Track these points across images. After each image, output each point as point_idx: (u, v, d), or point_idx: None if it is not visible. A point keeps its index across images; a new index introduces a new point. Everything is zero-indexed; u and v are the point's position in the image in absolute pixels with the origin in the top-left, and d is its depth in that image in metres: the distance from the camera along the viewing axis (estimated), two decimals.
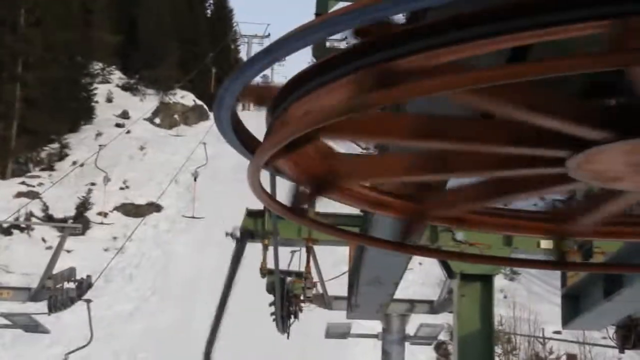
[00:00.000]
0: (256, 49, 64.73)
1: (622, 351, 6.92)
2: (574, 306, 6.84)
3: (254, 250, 13.65)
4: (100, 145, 43.64)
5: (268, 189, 2.79)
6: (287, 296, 13.04)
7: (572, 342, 28.20)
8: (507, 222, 3.07)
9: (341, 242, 11.64)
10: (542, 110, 2.12)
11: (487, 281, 8.73)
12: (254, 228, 12.00)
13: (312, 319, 18.86)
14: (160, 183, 41.06)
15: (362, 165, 2.86)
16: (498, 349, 28.05)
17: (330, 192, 2.76)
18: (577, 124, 2.19)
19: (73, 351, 22.45)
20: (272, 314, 13.92)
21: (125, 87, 57.33)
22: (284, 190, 2.92)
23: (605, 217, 2.87)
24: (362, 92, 2.05)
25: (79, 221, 34.13)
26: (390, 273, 8.08)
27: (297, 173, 2.63)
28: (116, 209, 40.76)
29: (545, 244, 8.01)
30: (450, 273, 8.97)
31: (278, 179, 2.86)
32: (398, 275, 8.15)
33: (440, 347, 29.77)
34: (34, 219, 37.42)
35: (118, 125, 50.00)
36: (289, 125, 2.27)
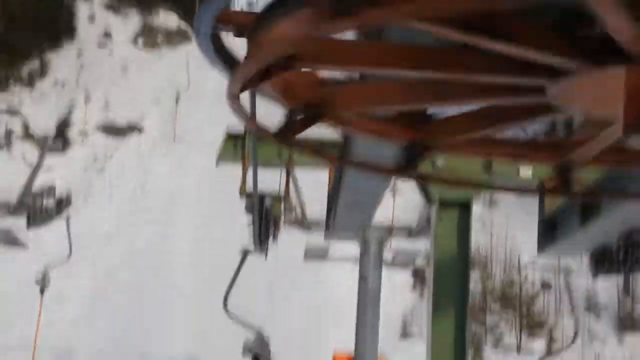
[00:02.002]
0: None
1: (595, 277, 7.01)
2: (550, 233, 6.88)
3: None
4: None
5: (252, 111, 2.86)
6: (266, 217, 13.05)
7: (546, 269, 28.61)
8: (510, 151, 3.12)
9: (320, 165, 11.65)
10: (517, 40, 2.17)
11: (465, 208, 8.77)
12: (233, 150, 11.96)
13: (290, 243, 19.02)
14: (141, 104, 40.76)
15: (355, 94, 2.89)
16: (474, 275, 28.39)
17: (327, 120, 2.83)
18: (553, 53, 2.25)
19: (52, 266, 22.56)
20: (250, 234, 13.94)
21: (108, 6, 56.41)
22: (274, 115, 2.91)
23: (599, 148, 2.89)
24: (322, 21, 2.15)
25: (59, 139, 33.92)
26: (369, 196, 8.09)
27: (289, 101, 2.73)
28: (97, 128, 40.51)
29: (524, 172, 8.04)
30: (429, 199, 9.01)
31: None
32: (377, 198, 8.17)
33: (417, 273, 30.09)
34: (14, 136, 37.16)
35: (100, 45, 49.33)
36: (261, 49, 2.40)
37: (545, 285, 30.75)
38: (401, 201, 30.77)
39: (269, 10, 2.34)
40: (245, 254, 15.00)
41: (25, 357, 22.69)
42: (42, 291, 21.87)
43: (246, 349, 15.10)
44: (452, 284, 7.96)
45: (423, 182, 8.37)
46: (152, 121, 40.46)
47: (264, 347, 14.19)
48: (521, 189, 6.78)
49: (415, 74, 2.62)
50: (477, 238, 28.65)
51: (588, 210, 5.84)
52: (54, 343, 24.67)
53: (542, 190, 5.95)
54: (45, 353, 23.24)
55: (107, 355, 24.02)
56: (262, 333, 15.16)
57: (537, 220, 7.55)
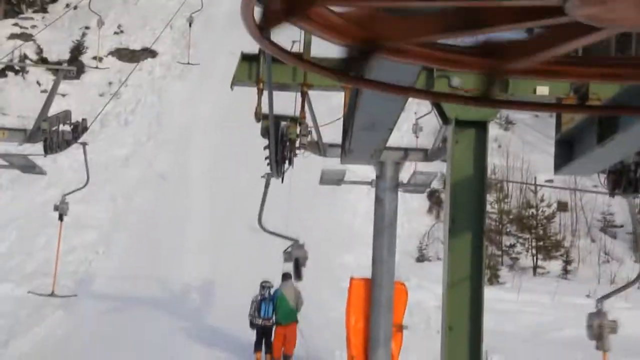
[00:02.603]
0: None
1: (612, 196, 6.98)
2: (567, 152, 6.84)
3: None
4: None
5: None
6: (282, 140, 13.04)
7: (563, 188, 28.61)
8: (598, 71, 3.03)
9: (336, 88, 11.58)
10: None
11: (481, 128, 8.70)
12: (248, 72, 11.87)
13: (306, 167, 19.05)
14: (154, 28, 40.44)
15: (407, 26, 2.82)
16: (490, 197, 28.43)
17: (385, 54, 2.76)
18: None
19: (70, 193, 22.74)
20: (266, 157, 13.94)
21: None
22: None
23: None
24: None
25: (73, 65, 33.80)
26: (385, 118, 8.06)
27: (341, 37, 2.65)
28: (111, 53, 40.35)
29: (541, 90, 7.98)
30: (445, 119, 8.95)
31: None
32: (393, 121, 8.12)
33: (433, 195, 30.17)
34: (28, 62, 37.10)
35: None
36: None
37: (562, 206, 30.78)
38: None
39: None
40: (269, 177, 15.44)
41: (46, 283, 23.03)
42: (61, 217, 22.07)
43: (286, 255, 16.34)
44: (468, 206, 7.93)
45: (439, 102, 8.30)
46: (165, 45, 40.21)
47: (302, 252, 15.80)
48: (539, 105, 6.69)
49: (442, 4, 2.53)
50: (493, 160, 28.63)
51: (606, 127, 5.79)
52: (73, 268, 25.01)
53: (559, 108, 5.88)
54: (65, 278, 23.59)
55: (125, 279, 24.32)
56: (299, 240, 16.16)
57: (552, 142, 7.51)
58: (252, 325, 18.51)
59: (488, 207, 15.35)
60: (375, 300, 17.10)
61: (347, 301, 17.38)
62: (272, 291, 18.57)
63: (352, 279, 17.65)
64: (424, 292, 22.96)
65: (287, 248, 16.62)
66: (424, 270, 26.04)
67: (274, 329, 18.50)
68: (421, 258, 27.75)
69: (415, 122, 26.04)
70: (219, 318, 21.60)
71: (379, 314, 17.02)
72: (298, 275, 16.42)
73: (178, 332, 20.44)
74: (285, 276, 18.40)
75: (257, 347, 18.52)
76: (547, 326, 22.06)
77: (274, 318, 18.39)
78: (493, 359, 16.96)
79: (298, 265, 16.16)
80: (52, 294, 22.29)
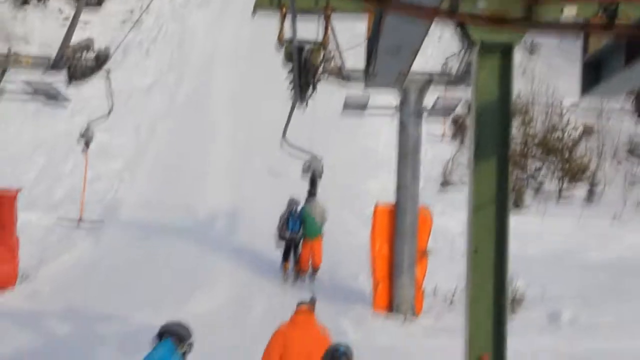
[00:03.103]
0: None
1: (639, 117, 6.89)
2: (593, 74, 6.76)
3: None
4: None
5: None
6: (305, 66, 12.97)
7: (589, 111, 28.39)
8: None
9: (358, 11, 11.46)
10: None
11: (507, 51, 8.57)
12: None
13: (329, 93, 18.98)
14: None
15: None
16: (515, 122, 28.25)
17: None
18: None
19: (95, 120, 22.81)
20: (290, 82, 13.91)
21: None
22: None
23: None
24: None
25: None
26: (410, 41, 7.97)
27: None
28: None
29: (569, 11, 7.82)
30: (469, 43, 8.83)
31: None
32: (418, 44, 8.04)
33: (456, 121, 30.01)
34: None
35: None
36: None
37: (587, 130, 30.54)
38: (440, 50, 30.41)
39: None
40: (294, 100, 15.72)
41: (74, 210, 23.28)
42: (87, 144, 22.22)
43: (305, 168, 17.52)
44: (493, 131, 7.86)
45: (464, 25, 8.19)
46: None
47: (319, 165, 17.09)
48: (566, 27, 6.59)
49: None
50: (518, 85, 28.36)
51: (633, 48, 5.69)
52: (100, 196, 25.23)
53: (587, 28, 5.76)
54: (92, 205, 23.83)
55: (150, 206, 24.53)
56: (317, 155, 16.85)
57: (578, 66, 7.41)
58: (280, 238, 19.59)
59: (513, 132, 15.25)
60: (400, 226, 17.18)
61: (371, 227, 17.49)
62: (298, 208, 19.56)
63: (376, 205, 17.74)
64: (448, 218, 23.00)
65: (306, 161, 17.49)
66: (448, 196, 26.05)
67: (301, 242, 19.54)
68: (445, 184, 27.72)
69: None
70: (244, 242, 21.80)
71: (403, 239, 17.12)
72: (313, 187, 17.48)
73: (205, 255, 20.65)
74: (311, 193, 19.49)
75: (285, 258, 19.63)
76: (571, 250, 22.08)
77: (301, 232, 19.44)
78: (517, 283, 17.03)
79: (314, 177, 17.30)
80: (80, 221, 22.55)
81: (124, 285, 18.32)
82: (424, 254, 17.22)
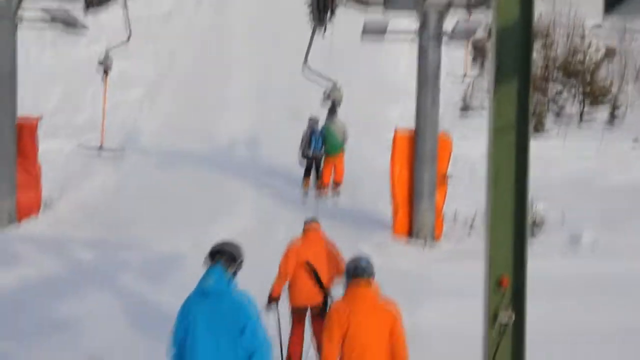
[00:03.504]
0: None
1: None
2: None
3: None
4: None
5: None
6: None
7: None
8: None
9: None
10: None
11: None
12: None
13: (348, 18, 18.81)
14: None
15: None
16: (536, 45, 27.93)
17: None
18: None
19: (114, 47, 22.72)
20: (309, 5, 13.78)
21: None
22: None
23: None
24: None
25: None
26: None
27: None
28: None
29: None
30: None
31: None
32: None
33: (477, 45, 29.70)
34: None
35: None
36: None
37: (610, 52, 30.16)
38: None
39: None
40: (314, 25, 15.87)
41: (94, 138, 23.37)
42: (105, 72, 22.17)
43: (325, 96, 18.01)
44: (514, 54, 7.77)
45: None
46: None
47: (338, 93, 17.64)
48: None
49: None
50: (540, 6, 27.96)
51: None
52: (120, 124, 25.30)
53: None
54: (113, 133, 23.90)
55: (170, 134, 24.60)
56: (336, 82, 17.16)
57: None
58: (303, 156, 20.34)
59: (534, 55, 15.09)
60: (419, 152, 17.14)
61: (391, 153, 17.47)
62: (320, 126, 20.22)
63: (396, 131, 17.68)
64: (468, 143, 22.89)
65: (326, 89, 17.88)
66: (468, 121, 25.93)
67: (322, 159, 20.30)
68: (465, 109, 27.56)
69: None
70: (265, 168, 21.87)
71: (423, 165, 17.10)
72: (334, 112, 18.02)
73: (226, 182, 20.75)
74: (331, 112, 19.99)
75: (306, 174, 20.45)
76: (592, 173, 21.99)
77: (322, 150, 20.19)
78: (538, 206, 17.03)
79: (334, 105, 17.75)
80: (100, 148, 22.65)
81: (146, 212, 18.46)
82: (443, 179, 17.21)
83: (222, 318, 6.35)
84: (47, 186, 18.76)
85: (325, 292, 9.84)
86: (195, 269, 14.37)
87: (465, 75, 28.11)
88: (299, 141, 20.40)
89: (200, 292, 6.50)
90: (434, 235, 16.87)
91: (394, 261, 14.86)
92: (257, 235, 16.40)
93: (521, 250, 7.54)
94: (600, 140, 25.00)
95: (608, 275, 13.83)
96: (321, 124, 20.46)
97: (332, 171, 20.27)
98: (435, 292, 12.96)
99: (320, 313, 9.68)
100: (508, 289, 7.52)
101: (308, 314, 10.07)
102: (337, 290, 9.35)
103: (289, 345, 9.98)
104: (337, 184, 20.25)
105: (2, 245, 15.53)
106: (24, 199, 17.65)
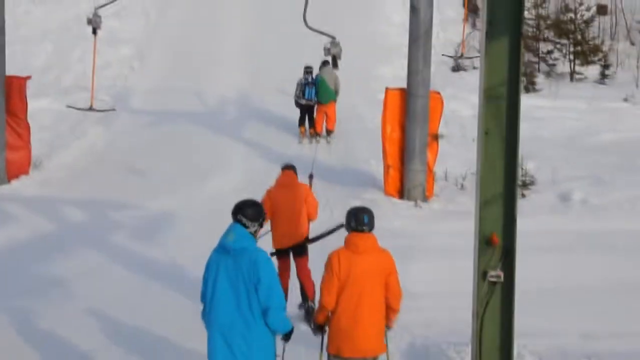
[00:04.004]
0: None
1: None
2: None
3: None
4: None
5: None
6: None
7: None
8: None
9: None
10: None
11: None
12: None
13: None
14: None
15: None
16: (527, 3, 27.79)
17: None
18: None
19: (102, 6, 22.48)
20: None
21: None
22: None
23: None
24: None
25: None
26: None
27: None
28: None
29: None
30: None
31: None
32: None
33: (469, 2, 29.53)
34: None
35: None
36: None
37: (601, 10, 30.02)
38: None
39: None
40: None
41: (84, 97, 23.22)
42: (94, 31, 21.94)
43: (326, 49, 18.20)
44: (505, 12, 7.73)
45: None
46: None
47: (338, 49, 17.97)
48: None
49: None
50: None
51: None
52: (110, 83, 25.17)
53: None
54: (102, 93, 23.77)
55: (161, 93, 24.49)
56: (335, 38, 17.26)
57: None
58: (297, 104, 21.13)
59: (525, 13, 15.01)
60: (411, 110, 17.08)
61: (382, 111, 17.40)
62: (313, 76, 21.00)
63: (387, 89, 17.60)
64: (460, 102, 22.88)
65: (326, 45, 18.18)
66: (460, 80, 25.86)
67: (315, 107, 21.16)
68: (457, 68, 27.45)
69: None
70: (256, 127, 21.83)
71: (415, 124, 17.05)
72: (335, 66, 18.42)
73: (217, 141, 20.71)
74: (325, 63, 20.57)
75: (301, 122, 21.32)
76: (583, 131, 21.99)
77: (315, 99, 20.96)
78: (529, 164, 17.05)
79: (335, 59, 18.12)
80: (90, 109, 22.51)
81: (137, 172, 18.41)
82: (435, 138, 17.18)
83: (241, 274, 6.56)
84: (37, 146, 18.68)
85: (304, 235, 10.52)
86: (186, 226, 14.50)
87: (462, 48, 27.87)
88: (291, 97, 21.18)
89: (222, 248, 6.70)
90: (425, 194, 16.87)
91: (385, 220, 14.88)
92: (247, 193, 16.38)
93: (511, 209, 7.56)
94: (590, 99, 24.98)
95: (598, 232, 13.89)
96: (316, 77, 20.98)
97: (324, 119, 21.15)
98: (426, 250, 13.01)
99: (300, 252, 10.47)
100: (498, 247, 7.56)
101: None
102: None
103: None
104: (329, 131, 21.17)
105: None
106: (13, 159, 17.59)
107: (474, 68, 25.83)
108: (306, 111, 21.19)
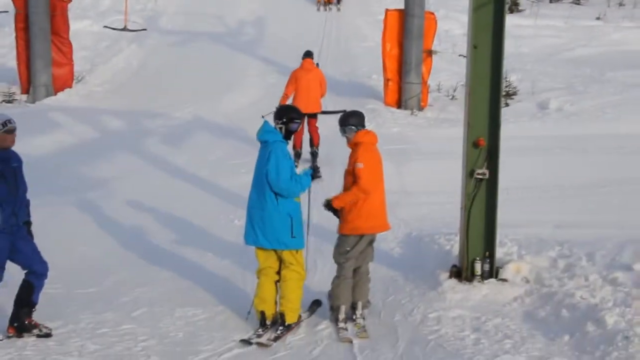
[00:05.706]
0: None
1: None
2: None
3: None
4: None
5: None
6: None
7: None
8: None
9: None
10: None
11: None
12: None
13: None
14: None
15: None
16: None
17: None
18: None
19: None
20: None
21: None
22: None
23: None
24: None
25: None
26: None
27: None
28: None
29: None
30: None
31: None
32: None
33: None
34: None
35: None
36: None
37: None
38: None
39: None
40: None
41: (119, 19, 22.94)
42: None
43: None
44: None
45: None
46: None
47: None
48: None
49: None
50: None
51: None
52: (141, 6, 24.88)
53: None
54: (135, 15, 23.48)
55: (186, 16, 24.27)
56: None
57: None
58: None
59: None
60: (408, 28, 16.87)
61: (382, 30, 17.19)
62: None
63: (387, 10, 17.36)
64: (451, 21, 22.57)
65: None
66: (452, 1, 25.39)
67: None
68: None
69: None
70: (271, 49, 21.60)
71: (411, 41, 16.86)
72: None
73: (236, 59, 20.54)
74: None
75: None
76: (560, 47, 21.73)
77: None
78: (512, 77, 16.90)
79: None
80: (124, 29, 22.28)
81: (166, 86, 18.34)
82: (429, 54, 17.01)
83: (262, 161, 6.69)
84: (79, 63, 18.55)
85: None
86: (210, 133, 14.48)
87: None
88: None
89: (259, 141, 6.88)
90: (420, 104, 16.79)
91: (385, 126, 14.87)
92: (263, 105, 16.34)
93: (496, 117, 7.51)
94: (567, 17, 24.62)
95: (571, 136, 13.84)
96: None
97: None
98: (421, 153, 13.01)
99: (313, 116, 12.35)
100: (484, 149, 7.53)
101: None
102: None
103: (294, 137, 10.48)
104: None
105: (41, 115, 15.48)
106: (58, 74, 17.50)
107: None
108: None
